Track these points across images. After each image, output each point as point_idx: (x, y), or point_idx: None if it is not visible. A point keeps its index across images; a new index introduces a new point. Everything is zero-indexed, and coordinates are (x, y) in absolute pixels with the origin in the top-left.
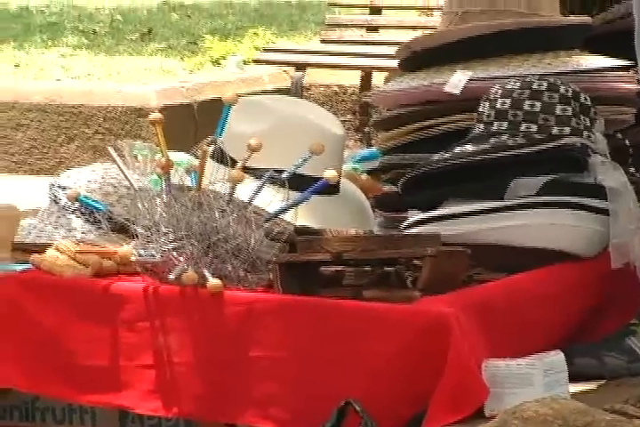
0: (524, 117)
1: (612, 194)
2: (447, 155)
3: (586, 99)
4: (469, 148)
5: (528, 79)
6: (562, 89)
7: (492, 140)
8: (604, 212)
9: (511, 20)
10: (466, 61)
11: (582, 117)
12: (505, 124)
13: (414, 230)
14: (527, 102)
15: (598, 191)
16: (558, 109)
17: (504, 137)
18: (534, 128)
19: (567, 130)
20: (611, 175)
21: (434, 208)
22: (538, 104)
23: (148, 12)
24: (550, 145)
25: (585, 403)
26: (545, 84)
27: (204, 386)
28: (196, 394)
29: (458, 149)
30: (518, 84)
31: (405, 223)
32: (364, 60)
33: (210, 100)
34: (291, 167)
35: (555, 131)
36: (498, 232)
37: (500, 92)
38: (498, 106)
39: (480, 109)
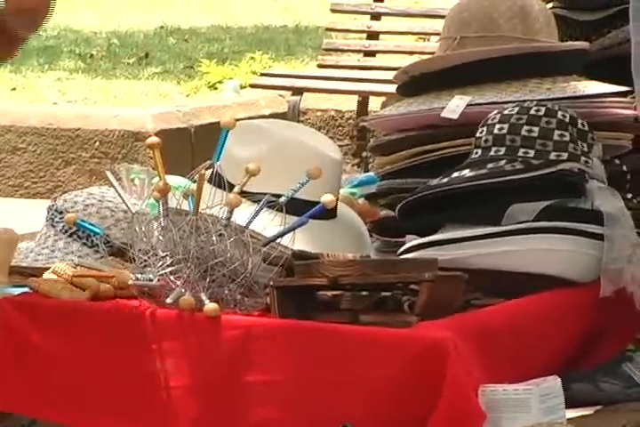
0: (521, 143)
1: (608, 219)
2: (445, 180)
3: (583, 124)
4: (467, 173)
5: (526, 104)
6: (559, 114)
7: (490, 166)
8: (602, 237)
9: (509, 46)
10: (464, 87)
11: (580, 143)
12: (503, 150)
13: (411, 255)
14: (525, 128)
15: (595, 217)
16: (556, 135)
17: (502, 162)
18: (532, 153)
19: (564, 155)
20: (608, 201)
21: (431, 233)
22: (535, 129)
23: (144, 37)
24: (547, 171)
25: None
26: (543, 109)
27: (201, 410)
28: (192, 418)
29: (455, 175)
30: (516, 109)
31: (402, 248)
32: (361, 84)
33: (207, 125)
34: (288, 192)
35: (552, 156)
36: (495, 257)
37: (497, 117)
38: (495, 131)
39: (478, 135)
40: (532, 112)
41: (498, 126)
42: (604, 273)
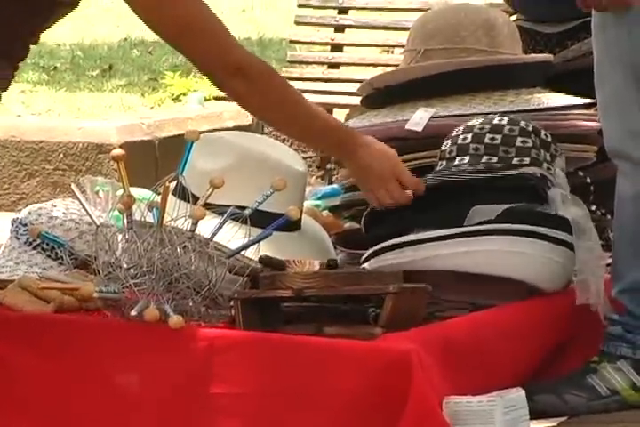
0: (484, 151)
1: (575, 229)
2: None
3: (546, 135)
4: (429, 176)
5: (490, 116)
6: (522, 124)
7: (453, 170)
8: (564, 243)
9: (473, 58)
10: (428, 99)
11: (542, 152)
12: (466, 158)
13: (372, 261)
14: (488, 136)
15: (558, 222)
16: (518, 141)
17: (464, 167)
18: (495, 159)
19: (527, 160)
20: (572, 209)
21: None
22: (498, 137)
23: (108, 49)
24: (508, 172)
25: None
26: (506, 119)
27: (166, 423)
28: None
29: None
30: (480, 120)
31: (366, 254)
32: (325, 97)
33: (171, 137)
34: (252, 204)
35: (515, 161)
36: (456, 258)
37: (461, 129)
38: (459, 141)
39: (443, 148)
40: (496, 121)
41: (462, 137)
42: (577, 283)
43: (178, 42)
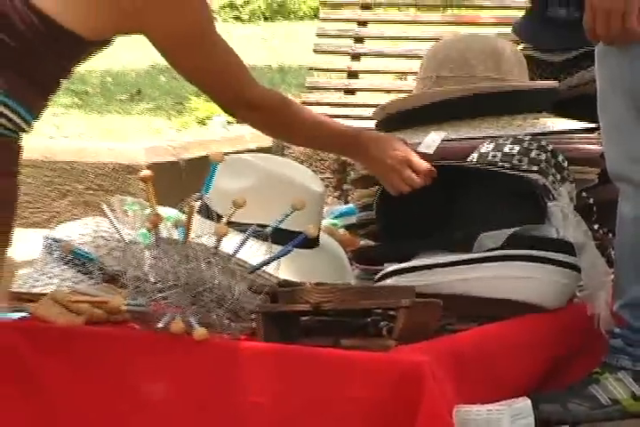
0: (501, 158)
1: (578, 247)
2: None
3: (563, 160)
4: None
5: (520, 136)
6: (543, 142)
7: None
8: (567, 265)
9: (482, 85)
10: (439, 123)
11: (554, 170)
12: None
13: (388, 281)
14: (508, 146)
15: (562, 245)
16: (533, 154)
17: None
18: (507, 165)
19: (535, 168)
20: (574, 228)
21: (407, 260)
22: (516, 148)
23: (136, 75)
24: (514, 173)
25: None
26: (529, 137)
27: (192, 423)
28: None
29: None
30: (491, 143)
31: (380, 274)
32: (342, 121)
33: (196, 158)
34: (273, 222)
35: (524, 167)
36: (466, 283)
37: (488, 141)
38: (482, 150)
39: (468, 159)
40: (520, 137)
41: (485, 147)
42: (585, 297)
43: (201, 83)
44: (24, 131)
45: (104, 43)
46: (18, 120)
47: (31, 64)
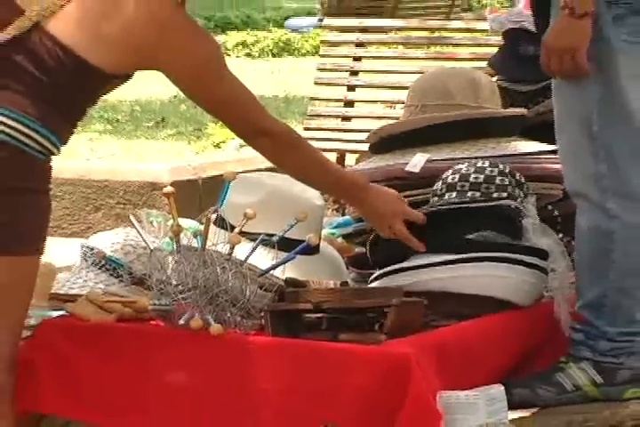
0: (469, 187)
1: (552, 254)
2: None
3: (520, 177)
4: (423, 207)
5: (473, 161)
6: (500, 166)
7: (442, 202)
8: (536, 267)
9: (461, 112)
10: (424, 146)
11: (517, 190)
12: (454, 194)
13: (379, 282)
14: (473, 176)
15: (532, 250)
16: (498, 180)
17: (452, 200)
18: (478, 194)
19: (504, 194)
20: (542, 237)
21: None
22: (481, 177)
23: (161, 104)
24: (490, 203)
25: None
26: (487, 162)
27: (208, 413)
28: (201, 418)
29: None
30: (466, 164)
31: (373, 275)
32: (339, 144)
33: (212, 177)
34: (279, 232)
35: (495, 195)
36: (449, 281)
37: (450, 171)
38: (449, 181)
39: (435, 187)
40: (479, 164)
41: (450, 177)
42: (556, 303)
43: (215, 113)
44: (53, 154)
45: (125, 77)
46: (48, 145)
47: (60, 96)
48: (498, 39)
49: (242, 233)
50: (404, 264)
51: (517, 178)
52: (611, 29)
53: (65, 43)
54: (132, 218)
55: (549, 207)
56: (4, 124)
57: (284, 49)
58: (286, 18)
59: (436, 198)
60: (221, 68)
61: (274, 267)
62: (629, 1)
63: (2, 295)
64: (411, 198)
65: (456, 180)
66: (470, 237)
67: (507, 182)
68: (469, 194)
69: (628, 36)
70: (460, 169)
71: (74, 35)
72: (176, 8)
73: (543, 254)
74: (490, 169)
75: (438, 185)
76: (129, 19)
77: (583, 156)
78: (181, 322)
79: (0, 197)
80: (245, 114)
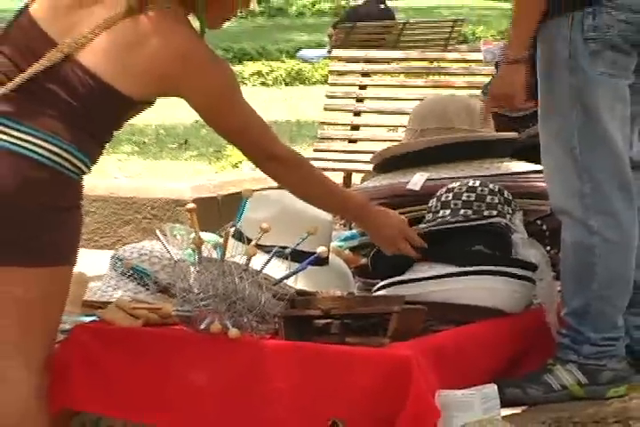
0: (462, 205)
1: (541, 267)
2: None
3: (508, 195)
4: (421, 226)
5: (465, 180)
6: (490, 186)
7: (439, 220)
8: (524, 278)
9: (458, 135)
10: (424, 166)
11: (506, 207)
12: (447, 211)
13: (383, 292)
14: (465, 194)
15: (520, 263)
16: (488, 199)
17: (448, 218)
18: (470, 212)
19: (495, 212)
20: (530, 250)
21: (397, 275)
22: (473, 195)
23: (184, 128)
24: (481, 222)
25: (512, 424)
26: (478, 182)
27: (225, 408)
28: (220, 413)
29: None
30: (458, 183)
31: (376, 286)
32: (346, 164)
33: (231, 194)
34: (292, 245)
35: (486, 213)
36: (446, 293)
37: (444, 190)
38: (442, 199)
39: (429, 204)
40: (471, 184)
41: (444, 195)
42: (544, 311)
43: (230, 138)
44: (85, 173)
45: (150, 103)
46: (81, 165)
47: (90, 120)
48: (491, 69)
49: (258, 246)
50: (406, 276)
51: (506, 196)
52: (588, 63)
53: (94, 72)
54: (157, 232)
55: (538, 222)
56: (43, 148)
57: (295, 78)
58: (298, 49)
59: (430, 215)
60: (236, 95)
61: (287, 276)
62: (605, 37)
63: (41, 303)
64: (412, 213)
65: (449, 198)
66: (465, 251)
67: (496, 201)
68: (462, 212)
69: (605, 69)
70: (453, 188)
71: (102, 65)
72: (197, 40)
73: (531, 267)
74: (481, 188)
75: (433, 202)
76: (154, 51)
77: (567, 176)
78: (202, 327)
79: (40, 213)
80: (257, 139)
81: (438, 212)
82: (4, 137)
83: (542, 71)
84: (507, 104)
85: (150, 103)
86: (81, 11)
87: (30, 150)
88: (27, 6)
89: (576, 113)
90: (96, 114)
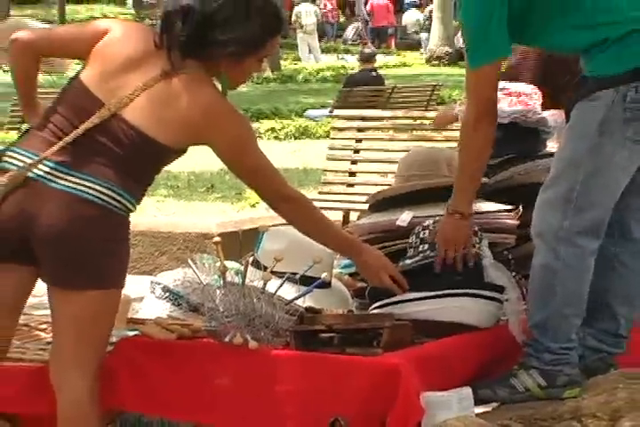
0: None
1: (507, 288)
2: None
3: (474, 226)
4: (408, 261)
5: (438, 218)
6: None
7: (421, 255)
8: (494, 299)
9: (438, 180)
10: (410, 206)
11: (474, 237)
12: (427, 246)
13: (376, 311)
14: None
15: (490, 286)
16: None
17: (427, 252)
18: None
19: None
20: (498, 273)
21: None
22: None
23: (211, 174)
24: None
25: (485, 420)
26: None
27: (245, 407)
28: (241, 411)
29: (400, 263)
30: (431, 220)
31: (371, 307)
32: (345, 204)
33: (250, 229)
34: (301, 271)
35: None
36: (428, 312)
37: (420, 228)
38: (420, 235)
39: (409, 240)
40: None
41: (422, 233)
42: (511, 325)
43: (247, 180)
44: (131, 211)
45: (183, 151)
46: (129, 205)
47: (135, 167)
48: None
49: (272, 272)
50: (395, 299)
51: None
52: (619, 126)
53: (137, 126)
54: (189, 261)
55: (505, 252)
56: (98, 191)
57: (303, 133)
58: (305, 110)
59: (412, 250)
60: (251, 141)
61: (297, 298)
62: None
63: (95, 320)
64: (400, 245)
65: (426, 235)
66: (442, 278)
67: None
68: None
69: (632, 135)
70: (428, 225)
71: (143, 120)
72: (220, 97)
73: (499, 289)
74: None
75: (412, 239)
76: (184, 106)
77: (555, 211)
78: (227, 339)
79: (98, 245)
80: (270, 182)
81: (418, 247)
82: (66, 182)
83: (574, 127)
84: (457, 249)
85: (183, 151)
86: (124, 76)
87: (88, 193)
88: (78, 74)
89: (589, 164)
90: (139, 161)
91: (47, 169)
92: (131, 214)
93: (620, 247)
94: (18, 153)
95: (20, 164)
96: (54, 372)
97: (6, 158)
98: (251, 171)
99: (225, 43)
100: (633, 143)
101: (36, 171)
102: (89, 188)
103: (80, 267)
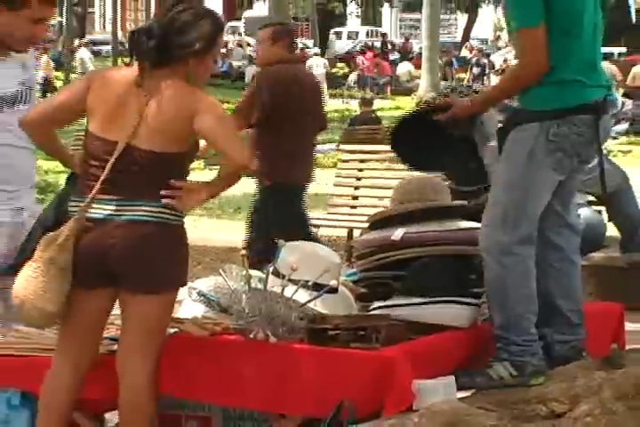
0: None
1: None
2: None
3: None
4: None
5: None
6: None
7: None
8: (472, 304)
9: (427, 203)
10: (404, 224)
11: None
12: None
13: (375, 312)
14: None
15: (469, 293)
16: None
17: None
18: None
19: None
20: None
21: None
22: None
23: (238, 198)
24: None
25: (465, 403)
26: None
27: (270, 391)
28: (264, 394)
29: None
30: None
31: (370, 308)
32: (349, 223)
33: None
34: (313, 279)
35: None
36: (417, 315)
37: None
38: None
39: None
40: None
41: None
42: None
43: (223, 139)
44: (183, 217)
45: (193, 147)
46: (176, 213)
47: (166, 180)
48: None
49: (289, 280)
50: (389, 302)
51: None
52: (544, 155)
53: (147, 148)
54: (220, 270)
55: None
56: (149, 211)
57: (315, 164)
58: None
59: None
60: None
61: (309, 301)
62: (561, 145)
63: (163, 316)
64: (394, 257)
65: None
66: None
67: None
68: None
69: (552, 164)
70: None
71: (149, 140)
72: (200, 92)
73: (477, 295)
74: None
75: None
76: (176, 111)
77: (496, 229)
78: (251, 336)
79: (162, 254)
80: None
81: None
82: (121, 213)
83: (508, 156)
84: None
85: (194, 149)
86: (121, 111)
87: (143, 216)
88: (86, 129)
89: (523, 187)
90: (166, 174)
91: (102, 206)
92: None
93: (545, 254)
94: (74, 200)
95: (77, 209)
96: (120, 361)
97: (70, 208)
98: (229, 133)
99: (189, 43)
100: (553, 170)
101: (93, 211)
102: (142, 211)
103: (152, 274)
